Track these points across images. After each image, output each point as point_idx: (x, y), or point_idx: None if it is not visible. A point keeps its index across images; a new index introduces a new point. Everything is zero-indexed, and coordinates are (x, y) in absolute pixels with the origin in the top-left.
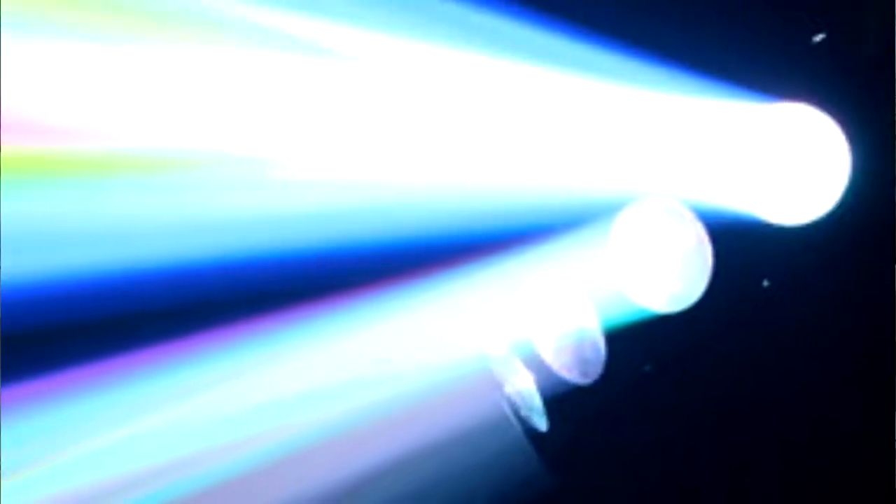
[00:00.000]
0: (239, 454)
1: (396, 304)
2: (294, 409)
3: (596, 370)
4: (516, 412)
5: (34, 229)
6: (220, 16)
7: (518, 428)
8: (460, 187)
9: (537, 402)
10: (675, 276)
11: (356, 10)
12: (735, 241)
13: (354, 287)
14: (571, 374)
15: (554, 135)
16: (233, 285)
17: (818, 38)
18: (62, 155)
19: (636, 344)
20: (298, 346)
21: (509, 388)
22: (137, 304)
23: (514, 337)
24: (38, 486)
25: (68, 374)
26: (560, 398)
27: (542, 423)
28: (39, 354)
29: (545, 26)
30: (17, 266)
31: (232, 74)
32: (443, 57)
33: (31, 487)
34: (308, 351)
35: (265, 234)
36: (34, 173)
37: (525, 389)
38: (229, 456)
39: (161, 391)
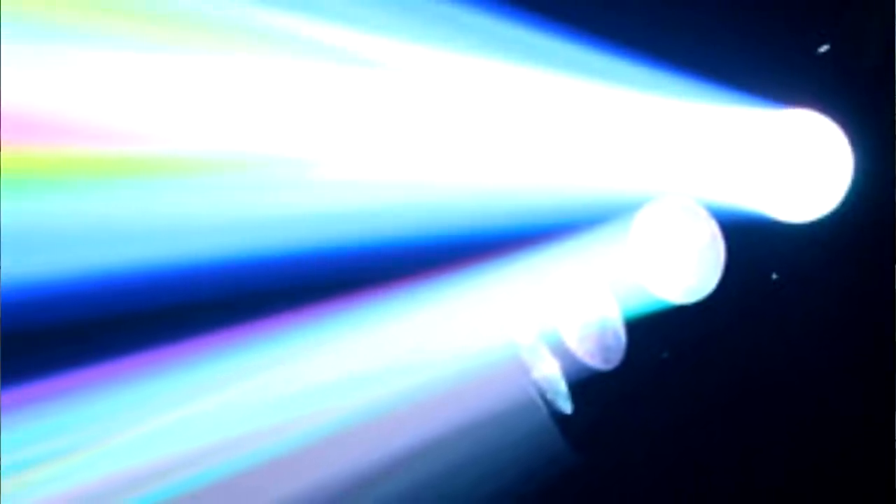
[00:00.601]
0: (285, 435)
1: (432, 297)
2: (336, 394)
3: (617, 357)
4: (543, 396)
5: (91, 227)
6: (265, 29)
7: (544, 410)
8: (492, 189)
9: (562, 386)
10: (690, 270)
11: (387, 21)
12: (746, 238)
13: (392, 280)
14: (594, 360)
15: (579, 140)
16: (277, 279)
17: (823, 49)
18: (114, 157)
19: (654, 333)
20: (340, 335)
21: (536, 374)
22: (191, 296)
23: (541, 326)
24: (94, 466)
25: (124, 363)
26: (583, 383)
27: (566, 406)
28: (99, 343)
29: (571, 37)
30: (80, 260)
31: (272, 83)
32: (470, 64)
33: (89, 466)
34: (350, 340)
35: (307, 230)
36: (88, 174)
37: (551, 375)
38: (276, 437)
39: (213, 377)
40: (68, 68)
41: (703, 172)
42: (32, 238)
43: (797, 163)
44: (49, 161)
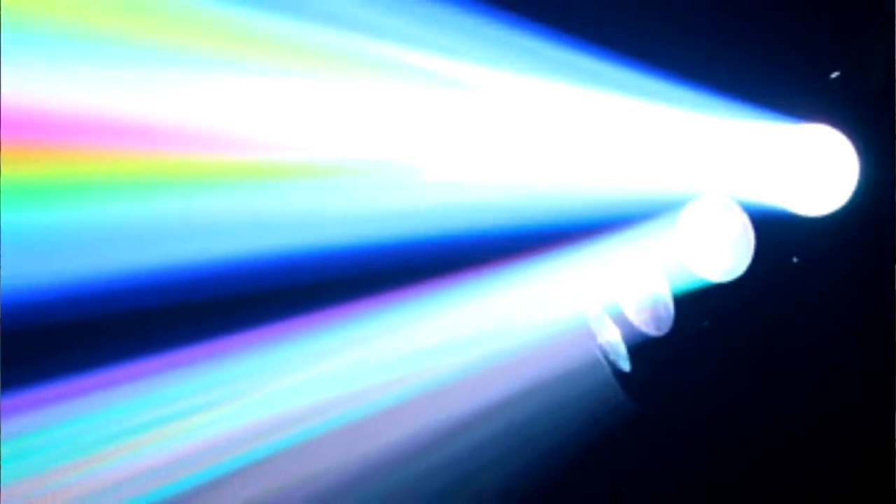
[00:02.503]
0: (395, 389)
1: (519, 277)
2: (437, 356)
3: (667, 325)
4: (606, 357)
5: (239, 220)
6: (379, 58)
7: (608, 369)
8: (568, 189)
9: (622, 349)
10: (726, 254)
11: (470, 50)
12: (771, 228)
13: (485, 264)
14: (648, 328)
15: (639, 152)
16: (390, 262)
17: (834, 75)
18: (246, 162)
19: (697, 305)
20: (442, 309)
21: (601, 339)
22: (319, 277)
23: (606, 300)
24: (236, 416)
25: (264, 331)
26: (639, 346)
27: (625, 366)
28: (236, 317)
29: (622, 62)
30: (232, 246)
31: (385, 103)
32: (539, 84)
33: (233, 416)
34: (452, 312)
35: (413, 222)
36: (227, 178)
37: (613, 340)
38: (389, 390)
39: (341, 343)
40: (203, 87)
41: (737, 175)
42: (191, 228)
43: (813, 167)
44: (189, 164)
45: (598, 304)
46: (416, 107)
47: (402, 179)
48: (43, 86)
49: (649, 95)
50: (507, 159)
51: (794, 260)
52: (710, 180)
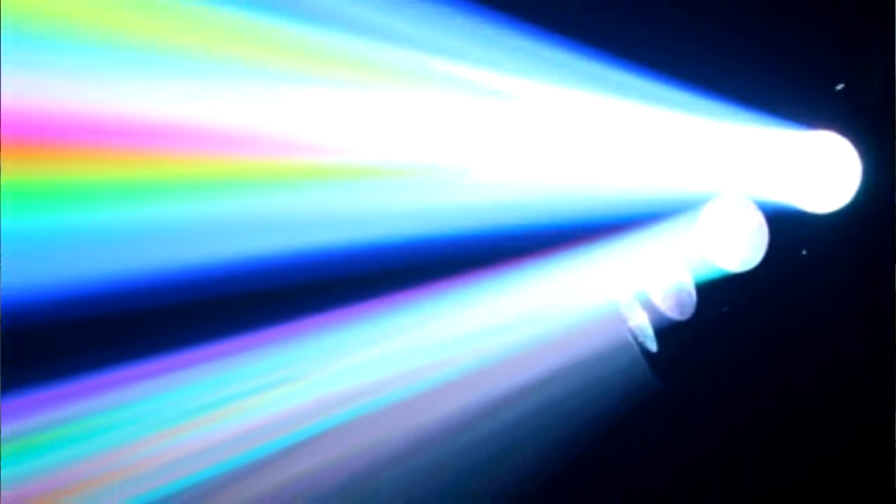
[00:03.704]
0: (446, 369)
1: (557, 269)
2: (486, 339)
3: (689, 310)
4: (636, 339)
5: (320, 216)
6: (435, 72)
7: (637, 350)
8: (603, 190)
9: (650, 332)
10: (742, 247)
11: (516, 64)
12: (783, 224)
13: (530, 255)
14: (673, 313)
15: (665, 157)
16: (445, 254)
17: (839, 87)
18: (319, 165)
19: (717, 292)
20: (490, 296)
21: (631, 323)
22: (389, 265)
23: (635, 288)
24: (319, 386)
25: (327, 316)
26: (665, 329)
27: (652, 347)
28: (317, 300)
29: (651, 76)
30: (319, 238)
31: (430, 110)
32: (578, 96)
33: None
34: (497, 299)
35: (464, 219)
36: (305, 178)
37: (642, 323)
38: (441, 370)
39: (404, 324)
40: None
41: (753, 176)
42: (271, 225)
43: (820, 169)
44: (267, 168)
45: (628, 291)
46: (463, 116)
47: (451, 180)
48: (44, 86)
49: (677, 107)
50: (548, 164)
51: (804, 252)
52: (729, 181)
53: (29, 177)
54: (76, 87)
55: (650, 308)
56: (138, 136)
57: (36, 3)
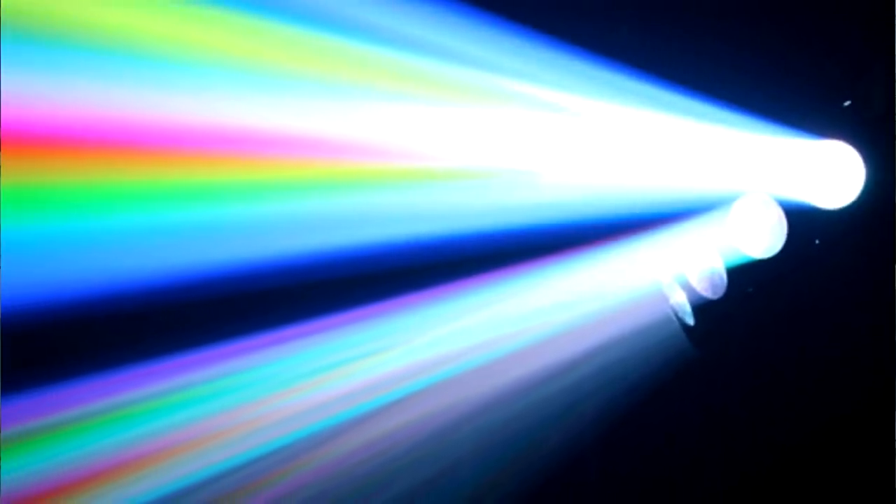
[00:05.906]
0: (518, 339)
1: (611, 255)
2: (552, 314)
3: (721, 290)
4: (676, 314)
5: (390, 212)
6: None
7: (677, 323)
8: (650, 190)
9: (688, 308)
10: (765, 237)
11: (579, 84)
12: (799, 217)
13: (587, 244)
14: (707, 292)
15: (702, 163)
16: (509, 246)
17: (846, 103)
18: (400, 168)
19: (744, 275)
20: (557, 278)
21: (672, 301)
22: (465, 254)
23: (675, 271)
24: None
25: (421, 295)
26: (700, 306)
27: (690, 321)
28: (391, 287)
29: (691, 94)
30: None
31: (512, 124)
32: (630, 112)
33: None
34: (562, 280)
35: (530, 216)
36: (380, 181)
37: (681, 301)
38: (512, 339)
39: (468, 308)
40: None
41: (774, 178)
42: (363, 219)
43: (830, 171)
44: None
45: (669, 274)
46: (535, 127)
47: (523, 181)
48: (44, 86)
49: (712, 120)
50: (606, 169)
51: (817, 241)
52: (754, 182)
53: (28, 177)
54: (76, 87)
55: (688, 288)
56: (152, 137)
57: (36, 3)
